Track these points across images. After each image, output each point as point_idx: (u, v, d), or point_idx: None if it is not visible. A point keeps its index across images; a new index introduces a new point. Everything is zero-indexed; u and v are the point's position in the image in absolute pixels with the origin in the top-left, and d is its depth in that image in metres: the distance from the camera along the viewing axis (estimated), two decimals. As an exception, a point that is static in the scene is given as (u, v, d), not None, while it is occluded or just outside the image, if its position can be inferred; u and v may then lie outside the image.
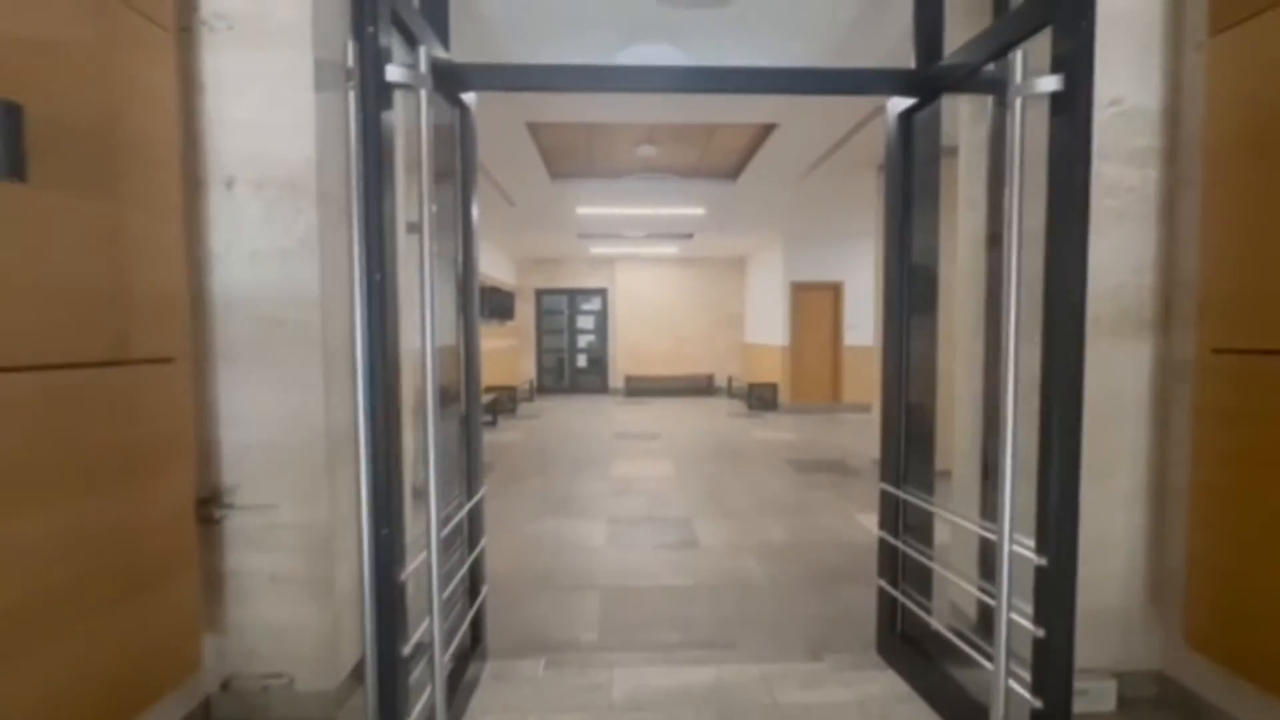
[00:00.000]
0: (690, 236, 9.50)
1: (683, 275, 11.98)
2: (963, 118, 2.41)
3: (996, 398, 2.04)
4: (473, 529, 2.10)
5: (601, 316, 12.23)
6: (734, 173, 6.12)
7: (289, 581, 1.83)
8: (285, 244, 1.82)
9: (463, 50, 2.10)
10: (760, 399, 9.68)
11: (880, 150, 5.06)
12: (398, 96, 1.47)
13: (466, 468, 2.14)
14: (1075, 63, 1.40)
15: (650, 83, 2.17)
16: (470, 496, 2.11)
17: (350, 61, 1.35)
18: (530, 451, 6.33)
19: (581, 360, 12.36)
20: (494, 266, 10.02)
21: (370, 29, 1.33)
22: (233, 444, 1.85)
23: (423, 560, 1.50)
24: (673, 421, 8.39)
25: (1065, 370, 1.45)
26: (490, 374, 9.61)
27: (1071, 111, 1.42)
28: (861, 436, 7.04)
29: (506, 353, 11.00)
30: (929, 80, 2.08)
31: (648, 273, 11.96)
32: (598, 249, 10.67)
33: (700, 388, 11.83)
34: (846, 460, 5.80)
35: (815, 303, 9.32)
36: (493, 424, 7.93)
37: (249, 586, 1.84)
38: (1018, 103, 1.48)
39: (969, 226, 2.36)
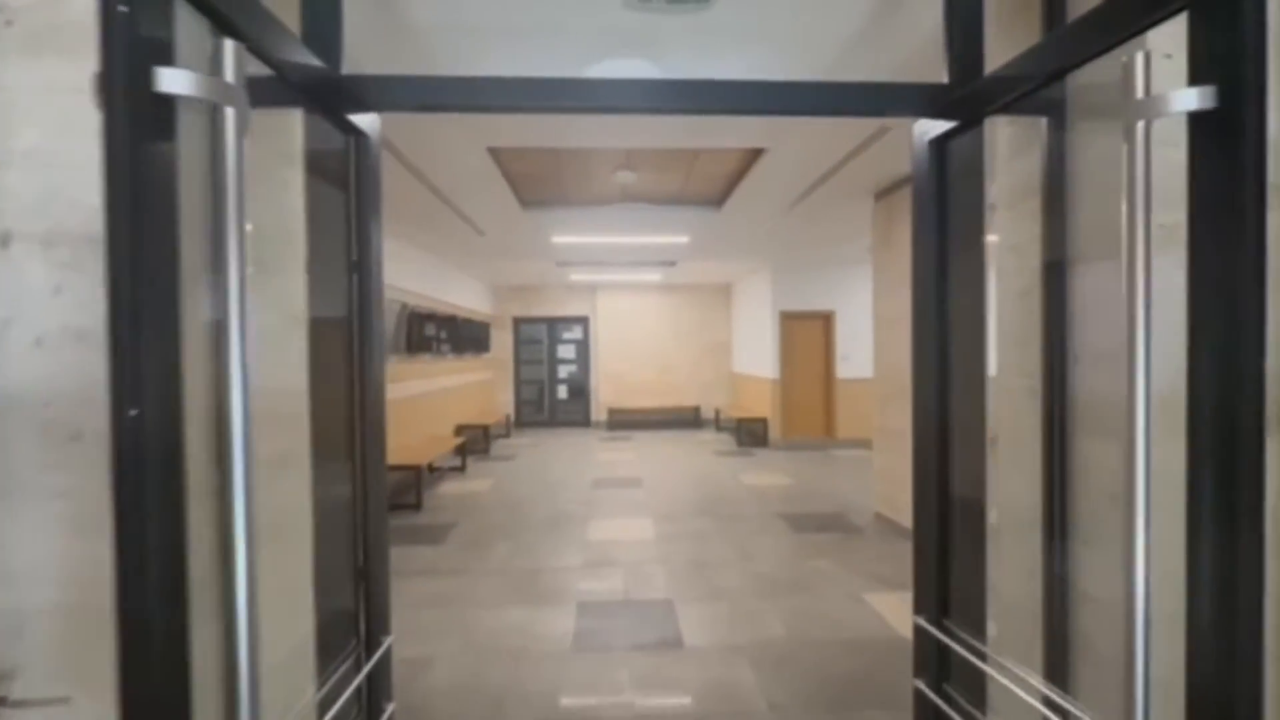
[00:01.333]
0: (674, 264, 9.05)
1: (667, 303, 11.53)
2: (999, 146, 1.95)
3: (1059, 510, 1.54)
4: (372, 709, 1.53)
5: (583, 346, 11.71)
6: (719, 200, 5.68)
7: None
8: (83, 323, 1.28)
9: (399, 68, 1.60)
10: (750, 435, 9.16)
11: (877, 176, 4.65)
12: (231, 118, 0.95)
13: (359, 601, 1.58)
14: (1235, 67, 0.93)
15: (618, 100, 1.68)
16: (368, 651, 1.55)
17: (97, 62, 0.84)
18: (499, 505, 5.74)
19: (562, 391, 11.80)
20: (466, 296, 9.49)
21: (123, 6, 0.82)
22: (8, 611, 1.28)
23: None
24: (656, 462, 7.84)
25: (1233, 481, 0.96)
26: (462, 411, 9.01)
27: (1229, 136, 0.94)
28: (860, 481, 6.53)
29: (481, 387, 10.42)
30: (971, 98, 1.61)
31: (631, 300, 11.49)
32: (578, 276, 10.19)
33: (686, 420, 11.31)
34: (847, 514, 5.29)
35: (805, 333, 8.88)
36: (461, 469, 7.32)
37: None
38: (1139, 126, 1.00)
39: (1012, 281, 1.89)
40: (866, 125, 3.59)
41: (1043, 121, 1.73)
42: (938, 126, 1.69)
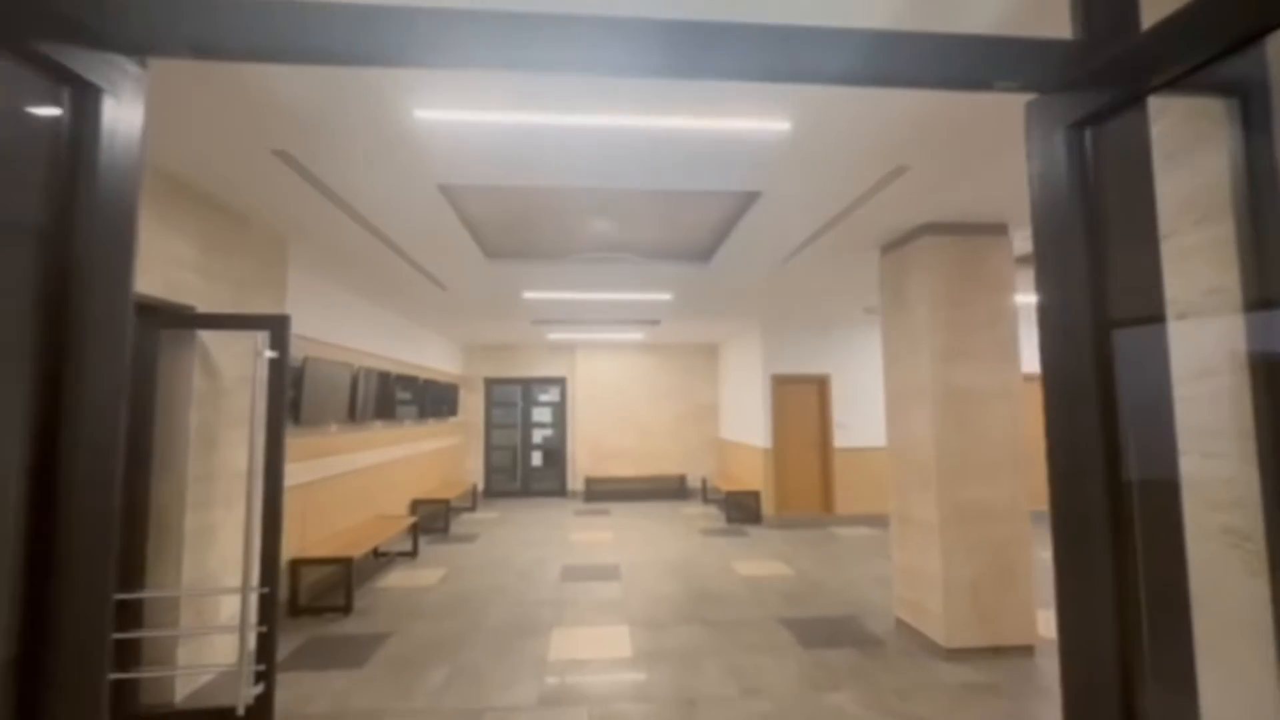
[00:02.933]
0: (657, 323, 8.45)
1: (649, 364, 10.87)
2: (1160, 142, 1.32)
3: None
4: None
5: (559, 409, 10.93)
6: (707, 252, 5.10)
7: None
8: None
9: None
10: (740, 510, 8.33)
11: (886, 226, 4.10)
12: None
13: None
14: None
15: (577, 50, 1.02)
16: None
17: None
18: (447, 605, 4.81)
19: (536, 458, 10.91)
20: (431, 355, 8.75)
21: None
22: None
23: None
24: (637, 545, 6.94)
25: None
26: (421, 483, 8.10)
27: None
28: (868, 570, 5.71)
29: (446, 454, 9.52)
30: (1125, 63, 0.98)
31: (611, 361, 10.82)
32: (555, 335, 9.54)
33: (670, 490, 10.44)
34: (862, 618, 4.45)
35: (799, 398, 8.22)
36: (412, 554, 6.36)
37: None
38: None
39: (1192, 351, 1.23)
40: (879, 164, 3.03)
41: (1235, 104, 1.11)
42: (1071, 106, 1.05)
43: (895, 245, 4.25)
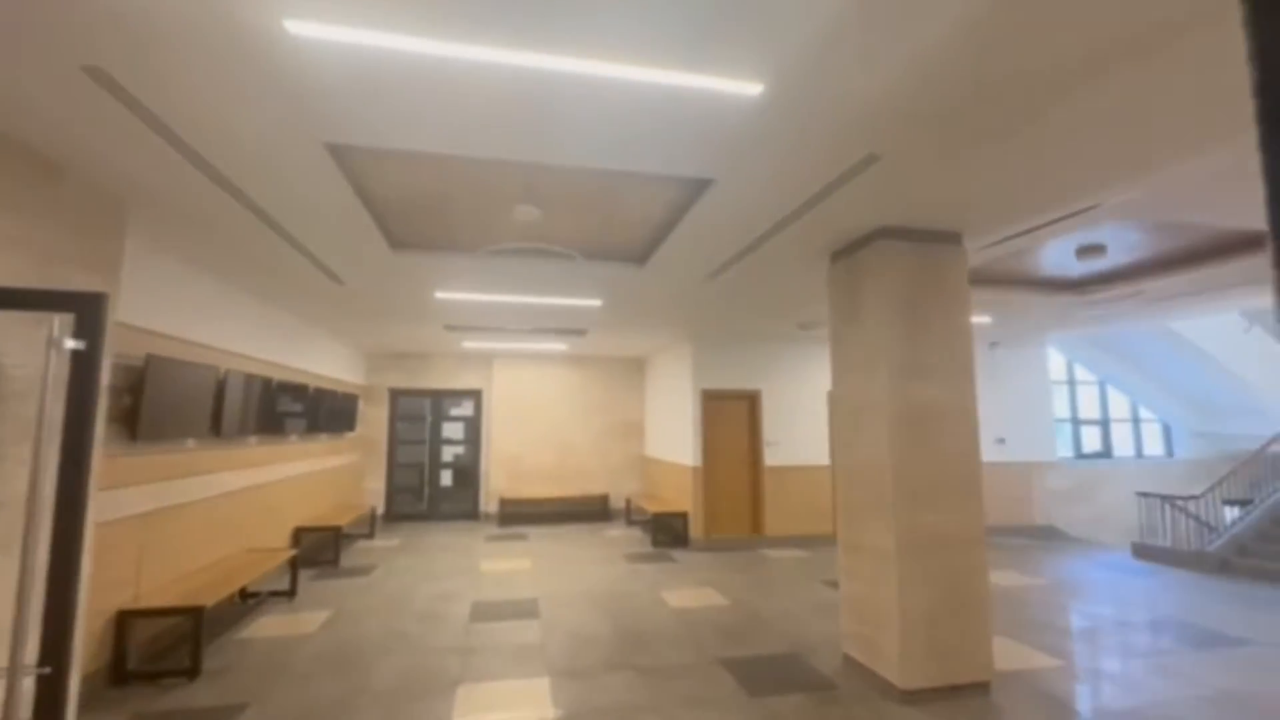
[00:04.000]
0: (583, 333, 7.92)
1: (573, 377, 10.29)
2: None
3: None
4: None
5: (473, 424, 10.09)
6: (642, 254, 4.66)
7: None
8: None
9: None
10: (667, 532, 7.88)
11: (839, 229, 3.80)
12: None
13: None
14: None
15: None
16: None
17: None
18: (326, 661, 3.99)
19: (446, 477, 9.99)
20: (327, 362, 7.75)
21: None
22: None
23: None
24: (558, 575, 6.31)
25: None
26: (308, 508, 7.07)
27: None
28: (806, 596, 5.40)
29: (341, 474, 8.46)
30: None
31: (532, 373, 10.15)
32: (471, 343, 8.77)
33: (593, 512, 9.84)
34: (807, 655, 4.08)
35: (729, 415, 7.93)
36: (290, 594, 5.40)
37: None
38: None
39: None
40: (851, 149, 2.70)
41: None
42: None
43: (848, 251, 3.98)
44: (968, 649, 3.47)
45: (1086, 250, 5.10)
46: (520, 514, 9.61)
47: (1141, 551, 7.22)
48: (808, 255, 4.26)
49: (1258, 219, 3.77)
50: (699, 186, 3.32)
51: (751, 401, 8.02)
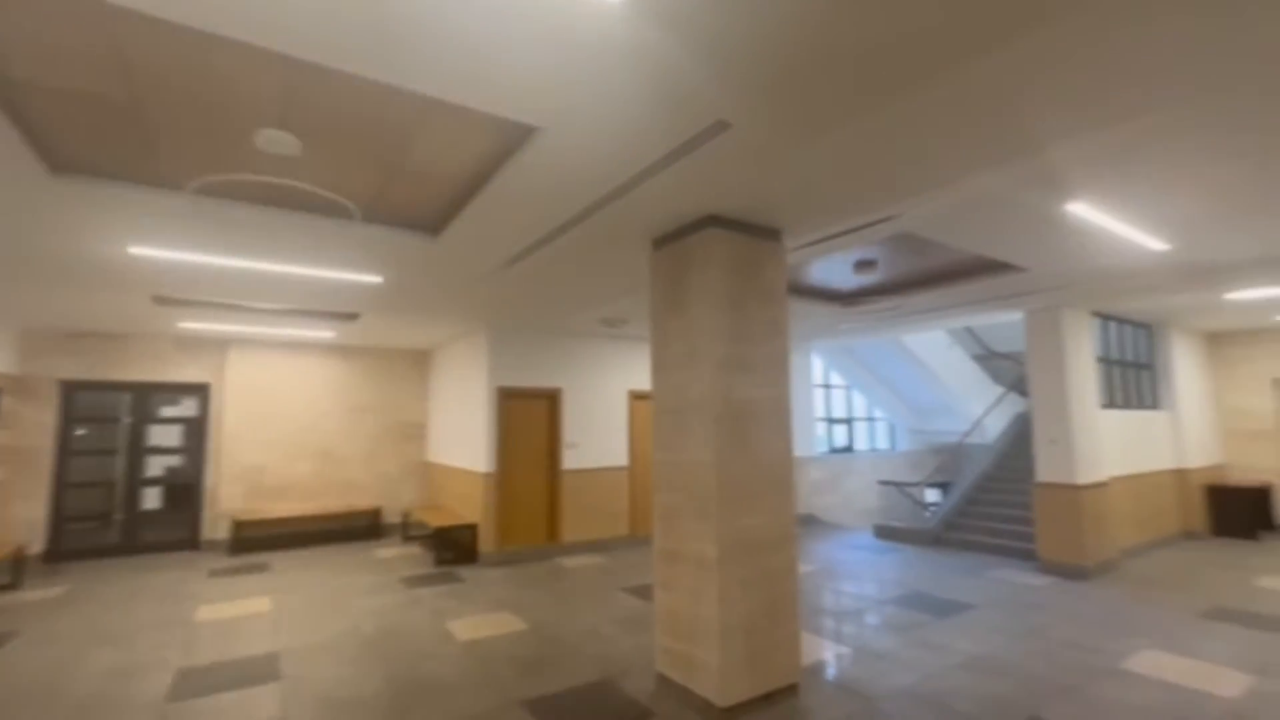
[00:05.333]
0: (355, 318, 6.64)
1: (339, 371, 8.70)
2: None
3: None
4: None
5: (196, 427, 7.92)
6: (438, 221, 3.87)
7: None
8: None
9: None
10: (454, 548, 6.97)
11: (668, 212, 3.48)
12: None
13: None
14: None
15: None
16: None
17: None
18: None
19: (152, 497, 7.66)
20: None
21: None
22: None
23: None
24: (310, 616, 5.06)
25: None
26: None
27: None
28: (609, 609, 5.05)
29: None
30: None
31: (283, 365, 8.33)
32: (194, 324, 6.82)
33: (360, 529, 8.40)
34: (619, 678, 3.69)
35: (527, 415, 7.33)
36: None
37: None
38: None
39: None
40: (703, 110, 2.36)
41: None
42: None
43: (673, 237, 3.71)
44: (780, 653, 3.39)
45: (863, 264, 5.62)
46: (261, 539, 7.77)
47: (881, 532, 8.38)
48: (629, 240, 3.90)
49: (991, 248, 4.40)
50: (520, 136, 2.72)
51: (552, 401, 7.52)
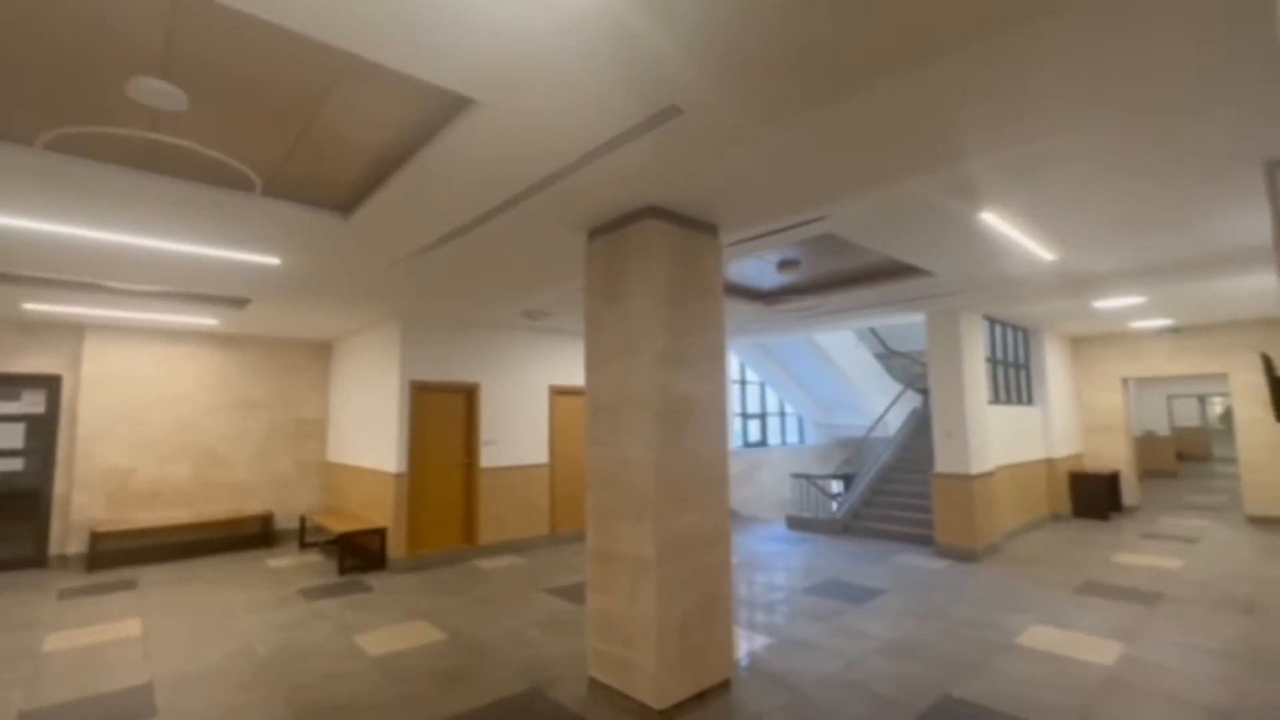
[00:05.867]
0: (245, 304, 5.98)
1: (225, 362, 7.84)
2: None
3: None
4: None
5: (44, 426, 6.84)
6: (351, 199, 3.52)
7: None
8: None
9: None
10: (359, 555, 6.47)
11: (605, 204, 3.34)
12: None
13: None
14: None
15: None
16: None
17: None
18: None
19: (-16, 508, 6.54)
20: None
21: None
22: None
23: None
24: (187, 639, 4.50)
25: None
26: None
27: None
28: (533, 612, 4.87)
29: None
30: None
31: (154, 354, 7.38)
32: (42, 305, 5.88)
33: (251, 537, 7.62)
34: (547, 686, 3.53)
35: (443, 411, 6.94)
36: None
37: None
38: None
39: None
40: (655, 92, 2.26)
41: None
42: None
43: (611, 227, 3.58)
44: (714, 650, 3.38)
45: (786, 264, 5.77)
46: (127, 552, 6.85)
47: (794, 523, 8.71)
48: (562, 229, 3.74)
49: (907, 251, 4.63)
50: (451, 108, 2.49)
51: (469, 396, 7.16)
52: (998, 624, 4.49)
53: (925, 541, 7.27)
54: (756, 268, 5.87)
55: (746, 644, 4.17)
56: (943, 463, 6.89)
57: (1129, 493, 9.44)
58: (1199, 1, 1.78)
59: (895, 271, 5.50)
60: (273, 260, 4.46)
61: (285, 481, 8.10)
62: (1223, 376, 8.97)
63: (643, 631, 3.16)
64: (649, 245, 3.33)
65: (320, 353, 8.59)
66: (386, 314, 6.58)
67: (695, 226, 3.59)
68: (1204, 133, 2.67)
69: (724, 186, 3.13)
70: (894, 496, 8.54)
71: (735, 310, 6.96)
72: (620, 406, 3.39)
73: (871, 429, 9.98)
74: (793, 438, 13.21)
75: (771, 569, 6.34)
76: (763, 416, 12.61)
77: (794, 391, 12.57)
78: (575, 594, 5.41)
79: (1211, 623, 4.44)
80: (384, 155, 2.96)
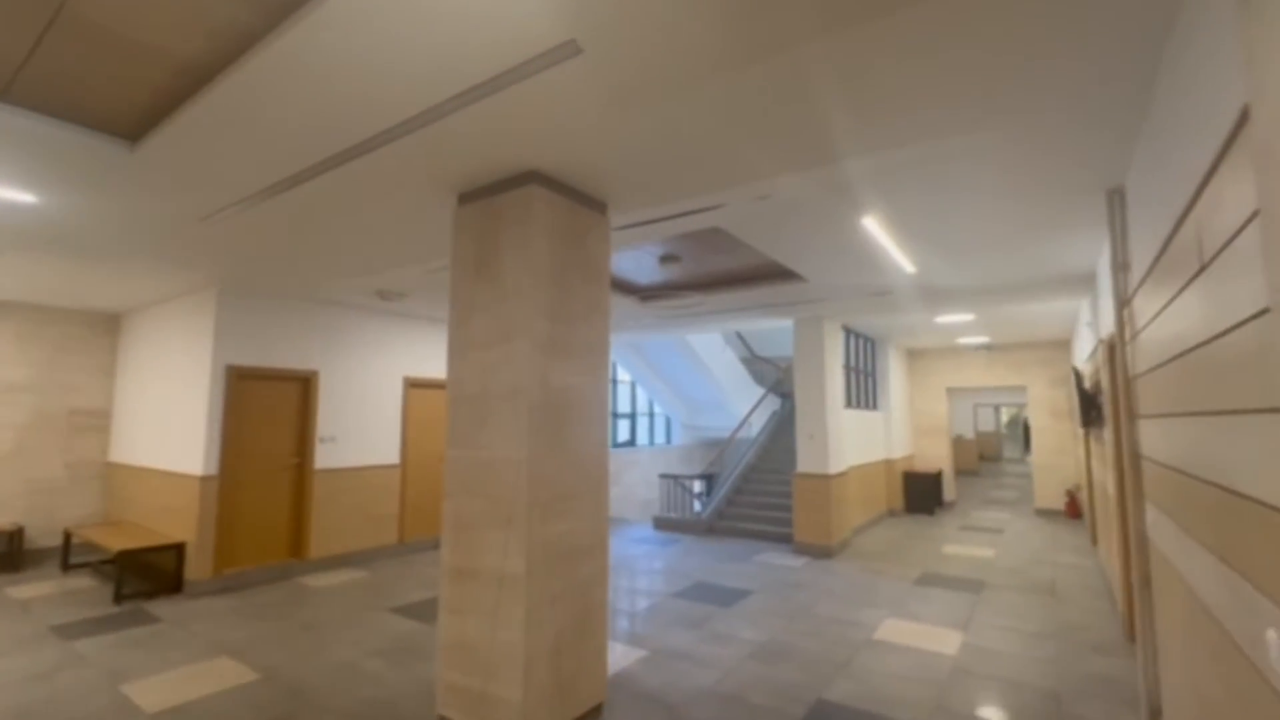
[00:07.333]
0: (-11, 256, 4.60)
1: (-39, 333, 6.06)
2: None
3: None
4: None
5: None
6: (143, 121, 2.71)
7: None
8: None
9: None
10: (147, 577, 5.25)
11: (482, 163, 2.80)
12: None
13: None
14: None
15: None
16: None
17: None
18: None
19: None
20: None
21: None
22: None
23: None
24: None
25: None
26: None
27: None
28: (369, 638, 4.19)
29: None
30: None
31: None
32: None
33: (-14, 558, 5.94)
34: (383, 731, 2.96)
35: (269, 402, 5.90)
36: None
37: None
38: None
39: None
40: (551, 23, 1.88)
41: None
42: None
43: (487, 192, 3.11)
44: (586, 673, 3.04)
45: (667, 259, 5.61)
46: None
47: (661, 523, 8.65)
48: (427, 188, 3.19)
49: (787, 253, 4.66)
50: (283, 9, 1.92)
51: (305, 385, 6.17)
52: (856, 620, 4.64)
53: (785, 539, 7.52)
54: (634, 262, 5.65)
55: (619, 659, 3.88)
56: (804, 463, 7.16)
57: (949, 489, 10.61)
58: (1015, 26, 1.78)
59: (771, 275, 5.56)
60: (25, 197, 3.39)
61: (50, 488, 6.44)
62: (1023, 389, 10.40)
63: (508, 660, 2.74)
64: (531, 216, 2.92)
65: (106, 326, 6.98)
66: (197, 282, 5.43)
67: (584, 201, 3.24)
68: (1055, 158, 2.83)
69: (618, 160, 2.82)
70: (755, 496, 8.80)
71: (611, 305, 6.70)
72: (489, 399, 2.94)
73: (737, 430, 10.28)
74: (660, 438, 13.30)
75: (641, 573, 6.15)
76: (633, 416, 12.54)
77: (663, 391, 12.65)
78: (426, 612, 4.79)
79: (1025, 606, 4.95)
80: (188, 64, 2.26)
